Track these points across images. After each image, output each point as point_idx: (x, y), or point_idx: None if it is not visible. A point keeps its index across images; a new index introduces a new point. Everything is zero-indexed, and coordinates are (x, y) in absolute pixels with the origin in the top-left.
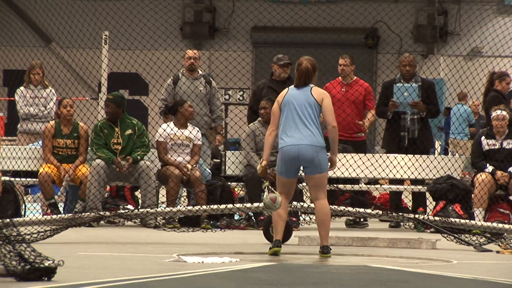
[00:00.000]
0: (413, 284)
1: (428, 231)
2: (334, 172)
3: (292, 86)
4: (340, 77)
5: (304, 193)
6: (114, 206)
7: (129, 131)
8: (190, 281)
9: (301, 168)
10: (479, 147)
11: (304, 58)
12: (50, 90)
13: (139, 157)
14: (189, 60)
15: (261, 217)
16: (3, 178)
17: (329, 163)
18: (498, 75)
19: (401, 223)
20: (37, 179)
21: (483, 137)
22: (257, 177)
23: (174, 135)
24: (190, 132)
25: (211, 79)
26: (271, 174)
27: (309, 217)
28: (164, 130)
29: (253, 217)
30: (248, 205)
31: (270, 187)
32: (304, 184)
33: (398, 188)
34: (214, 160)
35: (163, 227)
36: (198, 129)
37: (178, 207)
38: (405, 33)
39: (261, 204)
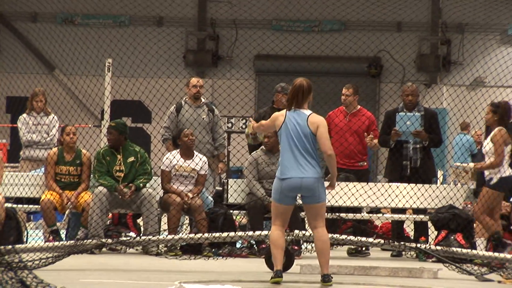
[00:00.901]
0: None
1: (430, 260)
2: (336, 201)
3: (290, 110)
4: (343, 106)
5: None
6: (116, 234)
7: (131, 159)
8: None
9: (299, 195)
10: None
11: (298, 78)
12: (53, 117)
13: (141, 184)
14: (194, 89)
15: (263, 245)
16: (5, 204)
17: (328, 185)
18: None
19: (403, 252)
20: (39, 206)
21: None
22: (259, 205)
23: (180, 166)
24: (196, 164)
25: (214, 107)
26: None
27: (311, 246)
28: (167, 159)
29: (255, 245)
30: (250, 233)
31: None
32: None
33: (400, 217)
34: (216, 188)
35: (165, 254)
36: (205, 159)
37: (180, 234)
38: (408, 62)
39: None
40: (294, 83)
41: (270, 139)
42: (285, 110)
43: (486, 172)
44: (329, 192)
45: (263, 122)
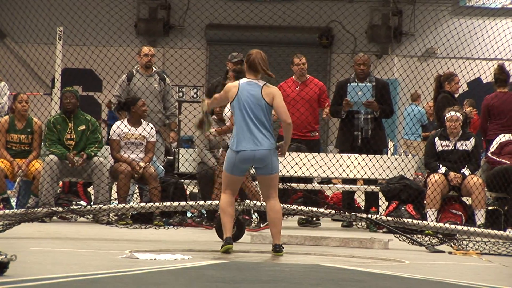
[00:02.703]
0: (365, 284)
1: (381, 231)
2: (288, 171)
3: (244, 80)
4: (294, 76)
5: (258, 191)
6: (67, 202)
7: (82, 127)
8: (142, 277)
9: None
10: (433, 148)
11: (253, 49)
12: (4, 85)
13: (92, 153)
14: (145, 57)
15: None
16: None
17: (279, 151)
18: (446, 76)
19: (354, 223)
20: None
21: (436, 138)
22: (210, 174)
23: (128, 133)
24: (144, 129)
25: (166, 76)
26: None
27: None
28: (118, 127)
29: (205, 215)
30: (201, 202)
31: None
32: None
33: (351, 188)
34: (167, 157)
35: (116, 223)
36: (152, 125)
37: (131, 203)
38: (360, 32)
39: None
40: (250, 54)
41: (221, 108)
42: (237, 81)
43: (228, 135)
44: (280, 162)
45: (216, 95)
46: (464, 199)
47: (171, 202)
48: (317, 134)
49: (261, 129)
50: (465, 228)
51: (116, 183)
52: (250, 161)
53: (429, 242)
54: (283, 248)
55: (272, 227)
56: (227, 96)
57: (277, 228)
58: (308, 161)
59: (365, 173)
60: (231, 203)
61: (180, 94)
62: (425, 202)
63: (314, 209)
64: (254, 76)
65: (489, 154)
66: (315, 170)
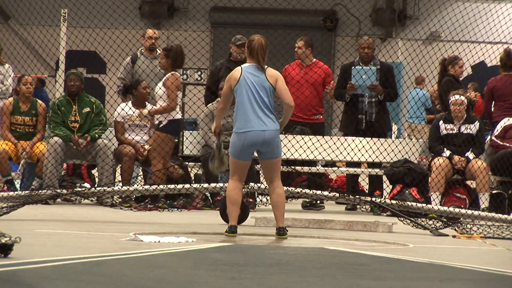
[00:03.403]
0: (369, 267)
1: (385, 214)
2: (292, 154)
3: (246, 65)
4: (299, 60)
5: (261, 174)
6: (71, 184)
7: (86, 109)
8: (147, 260)
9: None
10: (437, 131)
11: (255, 35)
12: (8, 67)
13: (96, 135)
14: (149, 40)
15: (218, 198)
16: None
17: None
18: (450, 60)
19: (358, 206)
20: None
21: (441, 122)
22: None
23: (132, 115)
24: (149, 111)
25: None
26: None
27: (266, 199)
28: (123, 109)
29: (209, 197)
30: (205, 185)
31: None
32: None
33: (355, 171)
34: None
35: (120, 205)
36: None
37: (135, 186)
38: (364, 16)
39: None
40: (251, 40)
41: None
42: (239, 66)
43: (156, 116)
44: (285, 145)
45: (220, 102)
46: (468, 182)
47: (176, 185)
48: (321, 117)
49: (266, 111)
50: (469, 211)
51: (120, 165)
52: (258, 143)
53: (433, 226)
54: (287, 231)
55: (275, 210)
56: (229, 86)
57: (281, 211)
58: (313, 144)
59: (369, 156)
60: (238, 190)
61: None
62: (429, 185)
63: (318, 192)
64: (255, 61)
65: (493, 138)
66: (320, 153)
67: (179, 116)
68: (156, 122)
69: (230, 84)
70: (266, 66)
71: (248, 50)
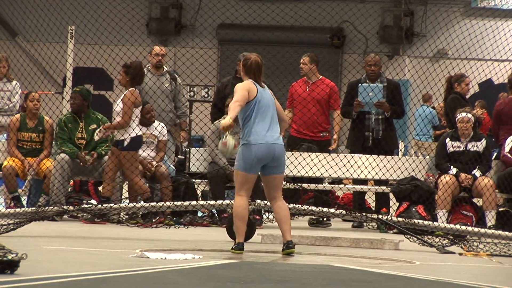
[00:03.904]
0: (376, 285)
1: (391, 231)
2: (299, 171)
3: (252, 81)
4: (305, 77)
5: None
6: (78, 201)
7: (93, 126)
8: (153, 277)
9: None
10: (444, 149)
11: (251, 54)
12: (16, 84)
13: (103, 152)
14: (156, 57)
15: (224, 215)
16: None
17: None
18: (456, 77)
19: (364, 223)
20: (1, 172)
21: (447, 139)
22: (221, 174)
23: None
24: (155, 128)
25: (177, 76)
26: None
27: (272, 215)
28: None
29: (216, 215)
30: (212, 202)
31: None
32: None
33: (361, 188)
34: (178, 156)
35: (126, 222)
36: (163, 124)
37: (142, 202)
38: (372, 33)
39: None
40: (248, 58)
41: None
42: (250, 81)
43: (117, 134)
44: (291, 162)
45: (237, 100)
46: (475, 200)
47: (182, 202)
48: (327, 134)
49: (274, 126)
50: (476, 229)
51: (127, 182)
52: (270, 156)
53: (439, 243)
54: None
55: (282, 225)
56: (247, 94)
57: (288, 225)
58: (319, 161)
59: (376, 173)
60: (246, 207)
61: (191, 93)
62: (435, 203)
63: (325, 209)
64: (252, 79)
65: (506, 153)
66: (326, 170)
67: (139, 131)
68: (115, 139)
69: (249, 92)
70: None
71: (244, 68)
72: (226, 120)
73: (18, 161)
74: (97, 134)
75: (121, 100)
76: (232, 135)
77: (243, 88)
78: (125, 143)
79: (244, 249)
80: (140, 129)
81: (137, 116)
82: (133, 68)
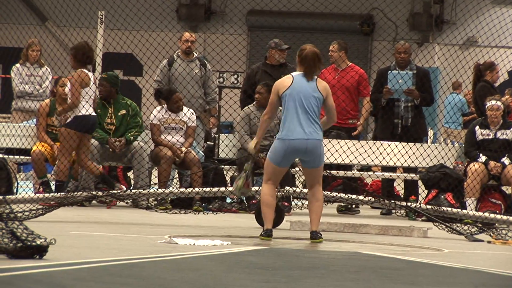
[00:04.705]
0: (404, 272)
1: (420, 219)
2: (327, 158)
3: (296, 73)
4: (334, 64)
5: (297, 178)
6: (107, 186)
7: (122, 112)
8: (181, 263)
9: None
10: (473, 136)
11: (308, 45)
12: (46, 69)
13: (132, 137)
14: (186, 43)
15: (253, 201)
16: None
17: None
18: (488, 65)
19: (393, 211)
20: (30, 157)
21: (477, 127)
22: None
23: (168, 118)
24: (185, 114)
25: (206, 62)
26: (262, 157)
27: (301, 202)
28: (159, 112)
29: (245, 201)
30: None
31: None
32: (297, 169)
33: (390, 176)
34: (208, 142)
35: (155, 208)
36: (192, 111)
37: (171, 188)
38: (402, 20)
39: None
40: (303, 49)
41: (261, 95)
42: (290, 74)
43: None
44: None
45: (267, 112)
46: (504, 188)
47: (211, 188)
48: (356, 121)
49: (311, 121)
50: (505, 217)
51: (157, 167)
52: (301, 152)
53: (468, 231)
54: (320, 235)
55: (311, 213)
56: (276, 93)
57: (317, 215)
58: (348, 148)
59: (405, 161)
60: (273, 194)
61: (221, 79)
62: (464, 191)
63: (354, 196)
64: (305, 70)
65: None
66: (355, 157)
67: (86, 112)
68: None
69: (278, 91)
70: (316, 77)
71: (299, 58)
72: (251, 144)
73: (48, 146)
74: (56, 118)
75: (69, 81)
76: (246, 175)
77: (272, 92)
78: (68, 120)
79: (272, 236)
80: (170, 115)
81: (90, 97)
82: (76, 50)
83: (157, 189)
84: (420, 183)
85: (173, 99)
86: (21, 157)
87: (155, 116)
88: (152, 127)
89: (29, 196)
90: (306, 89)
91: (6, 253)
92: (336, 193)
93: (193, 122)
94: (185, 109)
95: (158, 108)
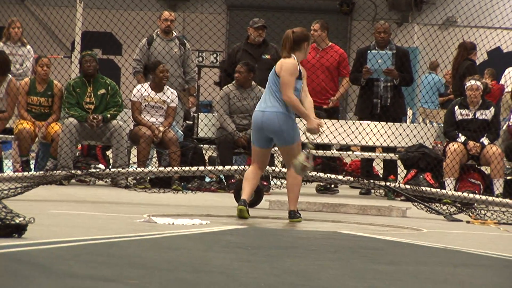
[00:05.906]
0: (383, 252)
1: (399, 199)
2: (307, 138)
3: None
4: (314, 43)
5: (276, 157)
6: (85, 165)
7: (102, 91)
8: (160, 242)
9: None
10: (452, 116)
11: (294, 28)
12: (29, 48)
13: (109, 115)
14: (165, 22)
15: (232, 180)
16: None
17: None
18: (472, 45)
19: (372, 190)
20: (10, 136)
21: (456, 107)
22: (229, 139)
23: (148, 96)
24: (164, 94)
25: (186, 41)
26: (241, 137)
27: (280, 182)
28: (139, 91)
29: (224, 180)
30: (220, 167)
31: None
32: (276, 148)
33: (369, 155)
34: (187, 121)
35: (134, 187)
36: (174, 91)
37: (150, 167)
38: (381, 0)
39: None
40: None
41: (241, 74)
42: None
43: None
44: (300, 128)
45: (292, 94)
46: (482, 168)
47: (190, 167)
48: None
49: (274, 96)
50: (483, 197)
51: (136, 147)
52: (259, 125)
53: (447, 211)
54: (299, 214)
55: (289, 192)
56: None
57: (294, 194)
58: (327, 128)
59: (384, 141)
60: (257, 174)
61: (200, 59)
62: (443, 170)
63: (333, 176)
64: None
65: (510, 124)
66: (334, 137)
67: None
68: None
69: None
70: (290, 56)
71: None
72: (309, 125)
73: (31, 124)
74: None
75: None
76: (306, 150)
77: (290, 73)
78: None
79: (246, 206)
80: (149, 93)
81: None
82: None
83: (136, 168)
84: (399, 162)
85: (158, 69)
86: (1, 135)
87: (136, 93)
88: (133, 104)
89: (7, 175)
90: (274, 68)
91: None
92: (315, 173)
93: (173, 101)
94: (165, 88)
95: (139, 86)
